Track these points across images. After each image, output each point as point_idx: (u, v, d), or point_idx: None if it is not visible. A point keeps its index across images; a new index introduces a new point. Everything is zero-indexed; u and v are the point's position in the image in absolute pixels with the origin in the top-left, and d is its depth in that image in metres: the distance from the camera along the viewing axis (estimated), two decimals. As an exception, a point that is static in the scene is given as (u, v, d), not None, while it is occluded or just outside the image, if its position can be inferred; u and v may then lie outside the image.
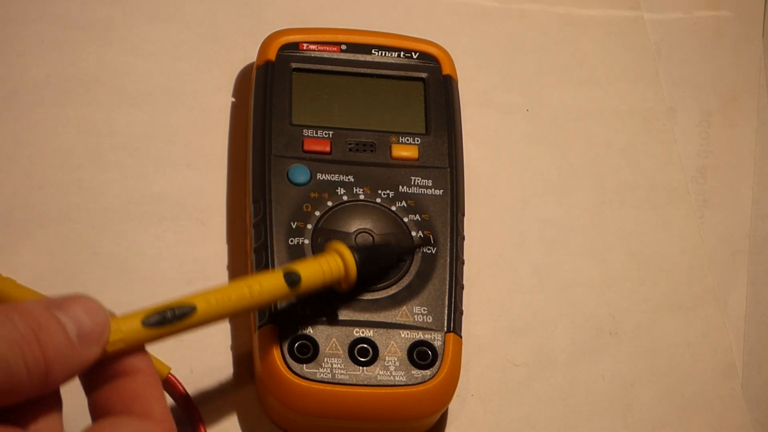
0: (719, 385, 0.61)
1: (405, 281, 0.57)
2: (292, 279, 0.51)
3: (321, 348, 0.55)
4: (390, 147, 0.60)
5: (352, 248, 0.54)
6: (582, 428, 0.59)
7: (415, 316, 0.56)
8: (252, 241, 0.57)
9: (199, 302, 0.49)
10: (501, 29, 0.69)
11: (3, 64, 0.63)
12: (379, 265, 0.56)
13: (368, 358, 0.55)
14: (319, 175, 0.59)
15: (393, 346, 0.55)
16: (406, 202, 0.59)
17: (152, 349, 0.57)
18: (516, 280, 0.62)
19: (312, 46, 0.62)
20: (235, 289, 0.50)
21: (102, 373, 0.45)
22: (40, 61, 0.63)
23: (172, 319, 0.48)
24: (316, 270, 0.53)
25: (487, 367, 0.60)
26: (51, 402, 0.44)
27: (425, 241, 0.57)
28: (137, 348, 0.46)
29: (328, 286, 0.53)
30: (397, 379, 0.55)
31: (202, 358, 0.57)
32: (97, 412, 0.45)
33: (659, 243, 0.64)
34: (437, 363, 0.55)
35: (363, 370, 0.55)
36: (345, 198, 0.58)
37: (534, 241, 0.63)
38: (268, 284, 0.51)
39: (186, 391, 0.56)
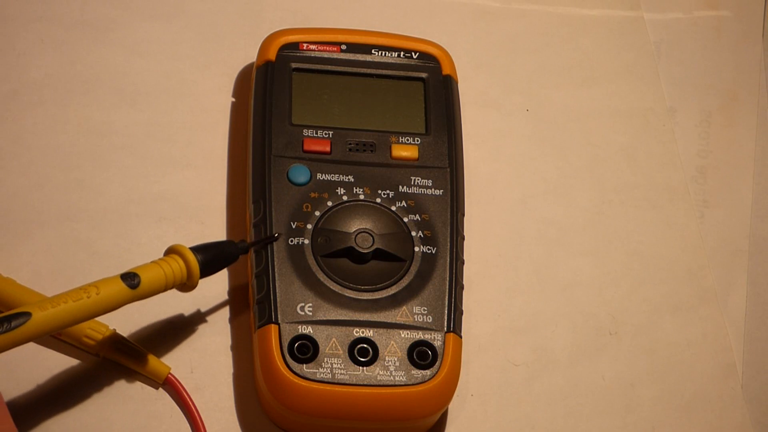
0: (719, 385, 0.61)
1: (405, 281, 0.57)
2: (131, 282, 0.52)
3: (321, 348, 0.55)
4: (390, 147, 0.60)
5: (193, 250, 0.54)
6: (582, 428, 0.59)
7: (415, 316, 0.56)
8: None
9: (35, 310, 0.48)
10: (501, 29, 0.69)
11: (3, 64, 0.63)
12: (221, 265, 0.55)
13: (368, 358, 0.55)
14: (319, 175, 0.59)
15: (393, 346, 0.55)
16: (406, 202, 0.59)
17: (152, 349, 0.57)
18: (516, 280, 0.62)
19: (312, 46, 0.62)
20: (72, 295, 0.50)
21: None
22: (40, 61, 0.63)
23: (7, 329, 0.47)
24: (156, 272, 0.53)
25: (487, 367, 0.60)
26: None
27: (268, 239, 0.57)
28: None
29: (171, 288, 0.54)
30: (397, 379, 0.55)
31: (202, 358, 0.57)
32: None
33: (659, 243, 0.64)
34: (437, 363, 0.55)
35: (363, 370, 0.55)
36: (345, 198, 0.58)
37: (534, 241, 0.63)
38: (107, 288, 0.51)
39: (186, 391, 0.56)
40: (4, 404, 0.47)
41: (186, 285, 0.54)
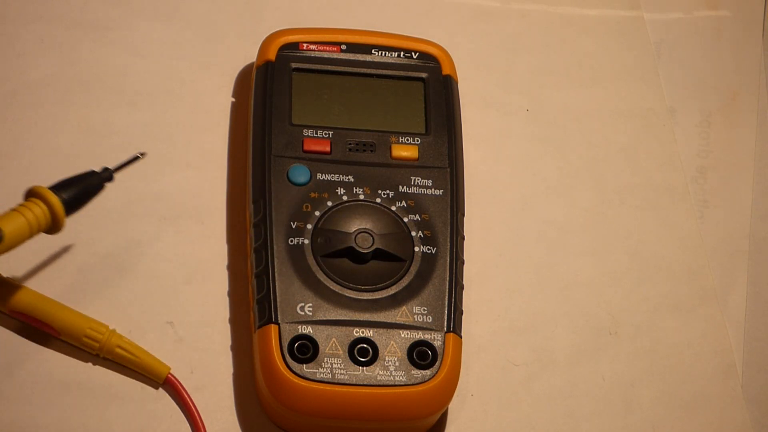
0: (719, 385, 0.61)
1: (405, 281, 0.57)
2: None
3: (321, 348, 0.55)
4: (390, 147, 0.60)
5: (52, 188, 0.52)
6: (582, 428, 0.59)
7: (415, 316, 0.56)
8: (252, 241, 0.57)
9: None
10: (501, 29, 0.69)
11: (3, 64, 0.63)
12: (86, 198, 0.54)
13: (368, 358, 0.55)
14: (319, 175, 0.59)
15: (393, 346, 0.55)
16: (406, 202, 0.59)
17: (152, 349, 0.57)
18: (516, 280, 0.62)
19: (312, 46, 0.62)
20: None
21: None
22: (40, 61, 0.63)
23: None
24: (19, 221, 0.51)
25: (487, 367, 0.60)
26: None
27: (131, 160, 0.55)
28: None
29: (37, 234, 0.52)
30: (397, 379, 0.55)
31: (202, 358, 0.57)
32: None
33: (659, 243, 0.64)
34: (437, 363, 0.55)
35: (363, 370, 0.55)
36: (345, 198, 0.58)
37: (534, 241, 0.63)
38: None
39: (186, 391, 0.56)
40: None
41: (53, 228, 0.52)
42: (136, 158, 0.55)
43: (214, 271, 0.59)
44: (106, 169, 0.55)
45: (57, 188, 0.52)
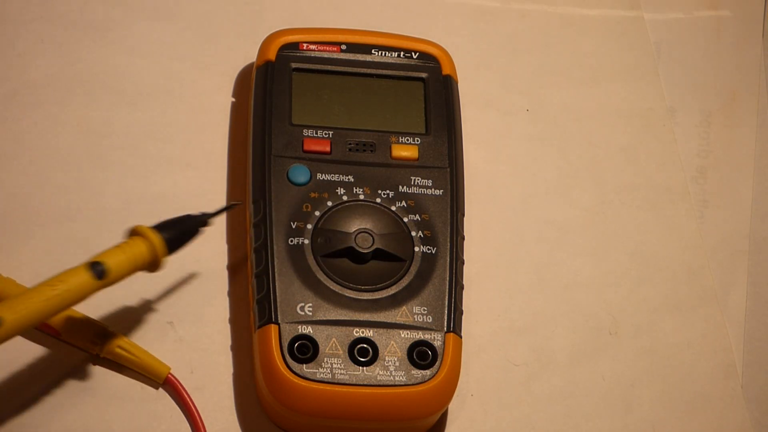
0: (719, 385, 0.61)
1: (405, 281, 0.57)
2: (97, 270, 0.51)
3: (321, 348, 0.55)
4: (390, 147, 0.60)
5: (156, 228, 0.53)
6: (582, 428, 0.59)
7: (415, 316, 0.56)
8: (252, 241, 0.57)
9: (6, 313, 0.48)
10: (501, 29, 0.69)
11: (3, 64, 0.63)
12: (186, 239, 0.55)
13: (368, 358, 0.55)
14: (319, 175, 0.59)
15: (393, 346, 0.55)
16: (406, 202, 0.59)
17: (152, 349, 0.57)
18: (516, 280, 0.62)
19: (312, 46, 0.62)
20: (38, 292, 0.50)
21: None
22: (40, 61, 0.63)
23: None
24: (122, 257, 0.52)
25: (487, 367, 0.60)
26: None
27: (228, 207, 0.57)
28: None
29: (139, 271, 0.53)
30: (397, 379, 0.55)
31: (202, 358, 0.57)
32: None
33: (659, 243, 0.64)
34: (437, 363, 0.55)
35: (363, 370, 0.55)
36: (345, 198, 0.58)
37: (534, 241, 0.63)
38: (73, 279, 0.50)
39: (186, 391, 0.56)
40: None
41: (153, 265, 0.53)
42: (232, 206, 0.56)
43: (214, 271, 0.59)
44: (203, 214, 0.56)
45: (159, 228, 0.53)
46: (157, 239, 0.53)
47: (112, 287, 0.52)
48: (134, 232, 0.53)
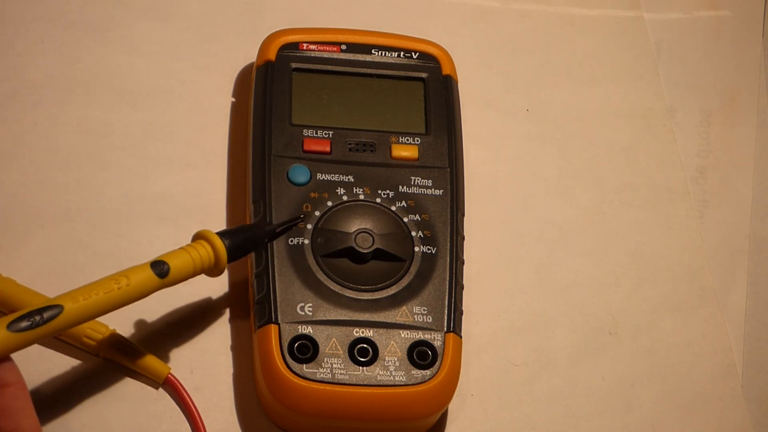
0: (719, 385, 0.61)
1: (405, 281, 0.57)
2: (160, 270, 0.52)
3: (321, 348, 0.55)
4: (390, 147, 0.60)
5: (220, 235, 0.54)
6: (582, 428, 0.59)
7: (415, 316, 0.56)
8: (252, 241, 0.57)
9: (66, 302, 0.49)
10: (501, 29, 0.69)
11: (3, 64, 0.63)
12: (248, 249, 0.56)
13: (368, 358, 0.55)
14: (319, 175, 0.59)
15: (393, 346, 0.55)
16: (406, 202, 0.59)
17: (152, 349, 0.57)
18: (516, 280, 0.62)
19: (312, 46, 0.62)
20: (102, 285, 0.50)
21: None
22: (40, 61, 0.63)
23: (41, 322, 0.47)
24: (185, 259, 0.53)
25: (487, 367, 0.60)
26: None
27: (293, 221, 0.57)
28: (3, 358, 0.46)
29: (199, 274, 0.54)
30: (397, 379, 0.55)
31: (202, 358, 0.57)
32: None
33: (659, 243, 0.64)
34: (437, 363, 0.55)
35: (363, 370, 0.55)
36: (345, 198, 0.58)
37: (534, 241, 0.63)
38: (136, 277, 0.51)
39: (186, 391, 0.56)
40: (29, 398, 0.47)
41: (214, 270, 0.54)
42: (298, 219, 0.57)
43: (214, 271, 0.59)
44: (269, 223, 0.56)
45: (223, 235, 0.54)
46: (220, 246, 0.54)
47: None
48: (198, 236, 0.54)
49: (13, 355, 0.48)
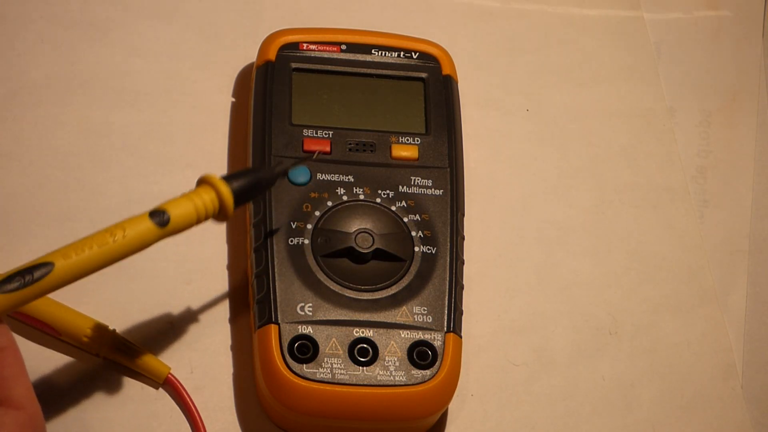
0: (719, 385, 0.61)
1: (405, 281, 0.57)
2: (160, 219, 0.49)
3: (321, 348, 0.55)
4: (390, 147, 0.60)
5: (225, 178, 0.51)
6: (582, 428, 0.59)
7: (415, 316, 0.56)
8: (252, 241, 0.57)
9: (57, 258, 0.46)
10: (501, 29, 0.69)
11: (3, 64, 0.63)
12: (256, 191, 0.54)
13: (368, 358, 0.55)
14: (319, 175, 0.59)
15: (393, 346, 0.55)
16: (406, 202, 0.59)
17: (152, 349, 0.57)
18: (516, 280, 0.62)
19: (312, 46, 0.62)
20: (96, 239, 0.47)
21: None
22: (40, 61, 0.63)
23: (30, 281, 0.45)
24: (187, 206, 0.50)
25: (487, 367, 0.60)
26: None
27: (305, 158, 0.56)
28: None
29: (204, 221, 0.51)
30: (397, 379, 0.55)
31: (202, 358, 0.57)
32: None
33: (659, 243, 0.64)
34: (437, 363, 0.55)
35: (363, 370, 0.55)
36: (345, 198, 0.58)
37: (534, 241, 0.63)
38: (133, 228, 0.48)
39: (186, 391, 0.56)
40: (22, 364, 0.45)
41: (219, 216, 0.51)
42: (313, 154, 0.55)
43: (214, 271, 0.59)
44: (280, 164, 0.54)
45: (228, 178, 0.51)
46: (225, 190, 0.51)
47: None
48: (202, 181, 0.51)
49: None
